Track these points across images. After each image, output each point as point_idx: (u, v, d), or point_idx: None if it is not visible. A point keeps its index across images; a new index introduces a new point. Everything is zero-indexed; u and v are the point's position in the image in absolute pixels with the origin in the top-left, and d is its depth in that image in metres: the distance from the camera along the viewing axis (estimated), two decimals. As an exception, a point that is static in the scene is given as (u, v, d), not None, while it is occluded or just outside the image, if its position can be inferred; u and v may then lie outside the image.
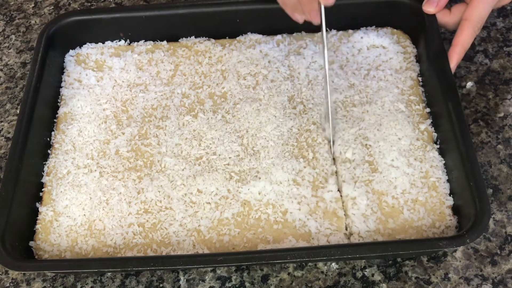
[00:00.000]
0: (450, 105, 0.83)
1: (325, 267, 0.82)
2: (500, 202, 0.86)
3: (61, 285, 0.83)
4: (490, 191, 0.86)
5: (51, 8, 1.16)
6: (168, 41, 1.01)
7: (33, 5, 1.17)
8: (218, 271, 0.82)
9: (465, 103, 0.95)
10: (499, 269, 0.80)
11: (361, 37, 0.98)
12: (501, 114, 0.94)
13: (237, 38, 1.01)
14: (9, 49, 1.10)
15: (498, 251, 0.82)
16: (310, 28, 0.99)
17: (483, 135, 0.91)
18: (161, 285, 0.81)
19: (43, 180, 0.87)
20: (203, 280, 0.81)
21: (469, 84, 0.97)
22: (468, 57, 1.00)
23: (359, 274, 0.81)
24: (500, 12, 1.06)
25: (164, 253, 0.79)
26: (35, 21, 1.14)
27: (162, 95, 0.94)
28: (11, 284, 0.84)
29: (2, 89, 1.04)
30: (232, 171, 0.85)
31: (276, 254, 0.74)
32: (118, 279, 0.82)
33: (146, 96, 0.94)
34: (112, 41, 1.02)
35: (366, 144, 0.86)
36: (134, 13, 0.99)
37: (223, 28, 1.00)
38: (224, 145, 0.88)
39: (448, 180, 0.83)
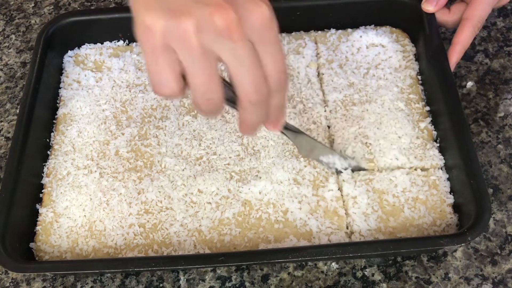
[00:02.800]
0: (450, 103, 0.83)
1: (325, 266, 0.81)
2: (500, 202, 0.86)
3: (61, 285, 0.83)
4: (490, 191, 0.86)
5: (51, 8, 1.16)
6: (167, 41, 1.01)
7: (33, 4, 1.17)
8: (218, 271, 0.82)
9: (465, 102, 0.95)
10: (499, 269, 0.80)
11: (360, 36, 0.98)
12: (501, 114, 0.94)
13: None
14: (9, 48, 1.10)
15: (498, 251, 0.82)
16: (309, 27, 1.00)
17: (483, 134, 0.91)
18: (161, 285, 0.81)
19: (43, 181, 0.87)
20: (203, 280, 0.81)
21: (469, 84, 0.97)
22: (468, 57, 1.00)
23: (359, 274, 0.81)
24: (500, 11, 1.06)
25: (165, 254, 0.79)
26: (35, 21, 1.14)
27: (161, 95, 0.94)
28: (11, 284, 0.83)
29: (2, 89, 1.04)
30: (232, 171, 0.85)
31: (277, 253, 0.74)
32: (118, 279, 0.82)
33: (145, 97, 0.94)
34: (111, 42, 1.02)
35: (366, 143, 0.86)
36: (133, 13, 0.99)
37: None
38: (224, 145, 0.88)
39: (448, 178, 0.83)
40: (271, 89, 0.61)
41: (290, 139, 0.83)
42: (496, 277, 0.80)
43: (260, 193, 0.83)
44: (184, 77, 0.60)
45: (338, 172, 0.85)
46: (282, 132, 0.81)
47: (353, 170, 0.85)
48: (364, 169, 0.85)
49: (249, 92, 0.60)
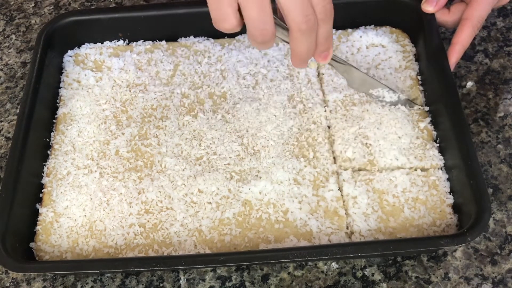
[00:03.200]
0: (450, 103, 0.84)
1: (325, 266, 0.82)
2: (500, 201, 0.86)
3: (61, 284, 0.83)
4: (490, 190, 0.86)
5: (51, 7, 1.16)
6: (167, 41, 1.01)
7: (33, 4, 1.17)
8: (218, 271, 0.82)
9: (465, 102, 0.95)
10: (499, 268, 0.81)
11: (360, 36, 0.98)
12: (501, 114, 0.94)
13: (236, 37, 1.00)
14: (9, 48, 1.10)
15: (498, 251, 0.82)
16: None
17: (483, 134, 0.92)
18: (161, 284, 0.81)
19: (43, 181, 0.87)
20: (203, 280, 0.81)
21: (469, 84, 0.97)
22: (468, 57, 1.00)
23: (359, 274, 0.81)
24: (500, 11, 1.06)
25: (165, 254, 0.79)
26: (35, 21, 1.14)
27: (161, 95, 0.94)
28: (11, 283, 0.83)
29: (2, 88, 1.04)
30: (232, 171, 0.85)
31: (277, 253, 0.74)
32: (118, 279, 0.82)
33: (145, 96, 0.94)
34: (111, 41, 1.02)
35: (366, 143, 0.86)
36: (133, 13, 0.99)
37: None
38: (224, 145, 0.88)
39: (448, 179, 0.83)
40: (318, 18, 0.68)
41: (339, 71, 0.90)
42: (496, 277, 0.80)
43: (260, 193, 0.83)
44: (240, 13, 0.67)
45: (339, 173, 0.85)
46: (331, 65, 0.88)
47: (403, 104, 0.90)
48: (413, 104, 0.90)
49: (298, 21, 0.66)
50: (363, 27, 1.00)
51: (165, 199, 0.83)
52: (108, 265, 0.76)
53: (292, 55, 0.72)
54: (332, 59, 0.84)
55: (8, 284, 0.83)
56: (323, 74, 0.94)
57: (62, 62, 0.99)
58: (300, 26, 0.67)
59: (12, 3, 1.17)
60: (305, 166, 0.85)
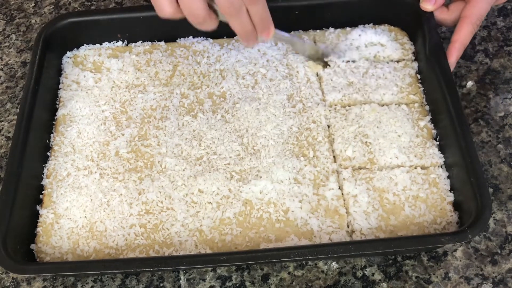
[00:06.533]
0: (449, 101, 0.84)
1: (326, 266, 0.82)
2: (500, 201, 0.86)
3: (62, 284, 0.83)
4: (490, 190, 0.86)
5: (51, 7, 1.16)
6: (166, 41, 1.01)
7: (33, 4, 1.17)
8: (219, 271, 0.82)
9: (465, 102, 0.95)
10: (500, 268, 0.81)
11: (359, 35, 0.98)
12: (502, 114, 0.94)
13: (235, 37, 1.00)
14: (10, 48, 1.10)
15: (499, 251, 0.82)
16: (308, 26, 1.00)
17: (484, 134, 0.92)
18: (161, 284, 0.81)
19: (43, 183, 0.87)
20: (204, 280, 0.81)
21: (469, 84, 0.97)
22: (469, 57, 1.00)
23: (359, 274, 0.81)
24: (500, 11, 1.06)
25: (166, 254, 0.79)
26: (35, 21, 1.14)
27: (161, 95, 0.94)
28: (11, 283, 0.83)
29: (3, 88, 1.04)
30: (233, 171, 0.85)
31: (279, 253, 0.74)
32: (119, 279, 0.82)
33: (145, 97, 0.94)
34: (110, 42, 1.02)
35: (366, 142, 0.86)
36: (131, 14, 0.99)
37: (221, 28, 0.99)
38: (224, 144, 0.88)
39: (448, 176, 0.83)
40: (244, 2, 0.76)
41: (289, 44, 0.97)
42: (496, 276, 0.80)
43: (260, 192, 0.83)
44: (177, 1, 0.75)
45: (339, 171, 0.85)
46: (278, 39, 0.95)
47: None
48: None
49: (224, 6, 0.75)
50: (361, 25, 1.00)
51: (165, 199, 0.83)
52: (109, 266, 0.76)
53: (237, 35, 0.81)
54: (275, 36, 0.86)
55: (8, 284, 0.83)
56: (322, 73, 0.94)
57: (61, 64, 0.99)
58: (226, 10, 0.75)
59: (12, 2, 1.17)
60: (305, 165, 0.85)
